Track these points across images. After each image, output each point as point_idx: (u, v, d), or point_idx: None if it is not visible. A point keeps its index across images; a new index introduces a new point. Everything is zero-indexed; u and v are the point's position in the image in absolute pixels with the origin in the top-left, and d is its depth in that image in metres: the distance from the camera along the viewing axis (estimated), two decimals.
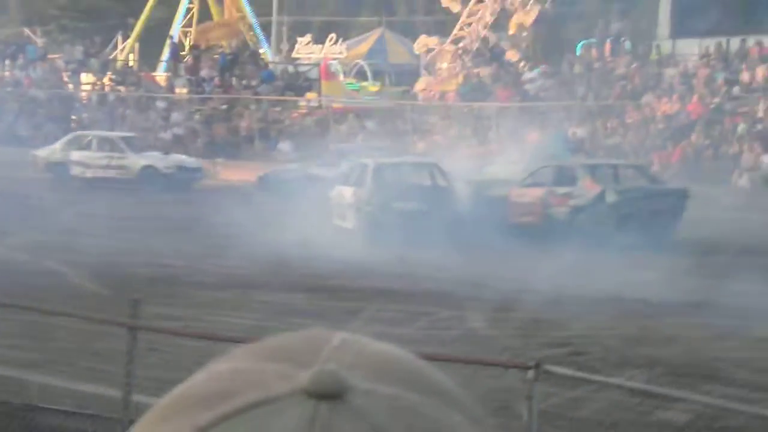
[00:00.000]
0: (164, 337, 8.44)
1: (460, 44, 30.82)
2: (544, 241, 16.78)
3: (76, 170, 25.64)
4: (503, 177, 19.53)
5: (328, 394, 0.50)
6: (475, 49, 30.21)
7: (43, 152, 26.53)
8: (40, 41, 37.24)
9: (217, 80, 32.90)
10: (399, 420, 0.51)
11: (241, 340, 8.58)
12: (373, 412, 0.51)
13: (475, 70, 29.92)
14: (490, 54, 30.31)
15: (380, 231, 17.42)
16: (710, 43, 27.22)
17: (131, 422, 6.80)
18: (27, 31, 38.90)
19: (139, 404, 6.69)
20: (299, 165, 23.94)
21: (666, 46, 28.87)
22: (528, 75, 28.10)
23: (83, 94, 34.58)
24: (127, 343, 6.49)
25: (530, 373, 5.58)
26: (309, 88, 31.95)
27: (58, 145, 26.52)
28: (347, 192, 18.70)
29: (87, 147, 26.06)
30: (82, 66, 35.54)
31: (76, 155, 25.95)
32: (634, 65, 27.26)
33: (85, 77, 35.29)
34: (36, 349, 9.35)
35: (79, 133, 27.80)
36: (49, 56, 36.22)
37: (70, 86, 34.84)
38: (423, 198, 18.24)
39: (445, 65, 30.34)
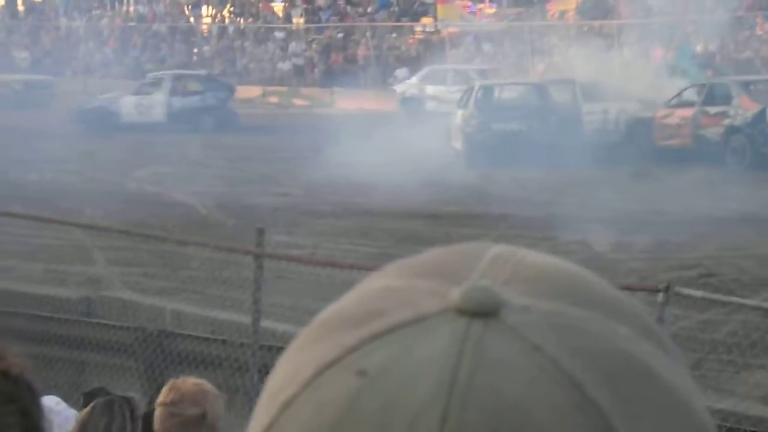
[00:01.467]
0: (289, 265, 8.59)
1: None
2: (694, 164, 15.98)
3: (430, 105, 23.96)
4: (628, 96, 18.98)
5: (481, 311, 0.47)
6: None
7: (400, 87, 25.22)
8: None
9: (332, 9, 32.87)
10: (559, 337, 0.47)
11: (364, 267, 8.67)
12: (530, 329, 0.47)
13: None
14: None
15: (480, 152, 17.43)
16: None
17: (261, 347, 6.99)
18: None
19: (267, 330, 6.85)
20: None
21: None
22: None
23: (204, 27, 35.11)
24: (254, 271, 6.63)
25: (660, 296, 5.43)
26: (425, 13, 31.56)
27: (414, 80, 25.33)
28: (459, 114, 18.75)
29: (442, 81, 24.69)
30: None
31: (430, 90, 24.25)
32: None
33: (206, 10, 35.78)
34: (168, 278, 9.68)
35: (434, 66, 25.63)
36: None
37: (191, 20, 35.44)
38: (526, 119, 17.99)
39: None
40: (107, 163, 18.03)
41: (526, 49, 26.64)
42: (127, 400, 3.00)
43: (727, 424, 5.36)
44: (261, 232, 6.76)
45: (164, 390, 2.76)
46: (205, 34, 34.69)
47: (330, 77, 29.81)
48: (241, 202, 14.34)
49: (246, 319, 6.93)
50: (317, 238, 11.86)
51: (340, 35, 31.42)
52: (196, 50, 34.05)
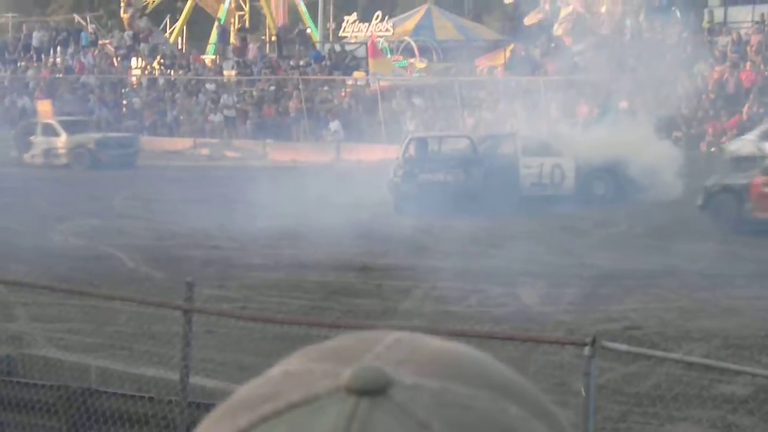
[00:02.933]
0: (219, 319, 8.50)
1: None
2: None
3: None
4: (564, 151, 19.25)
5: (370, 389, 0.48)
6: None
7: (733, 144, 21.13)
8: (90, 27, 37.64)
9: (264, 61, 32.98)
10: (445, 414, 0.48)
11: (296, 321, 8.61)
12: (417, 407, 0.48)
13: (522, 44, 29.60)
14: (538, 28, 29.95)
15: (406, 202, 17.63)
16: (764, 10, 26.59)
17: (190, 404, 6.87)
18: (77, 17, 39.33)
19: (196, 386, 6.75)
20: None
21: (718, 13, 28.26)
22: (577, 47, 27.74)
23: (133, 78, 34.91)
24: (182, 326, 6.54)
25: (587, 350, 5.50)
26: (356, 67, 31.88)
27: (751, 136, 21.02)
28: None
29: None
30: (132, 51, 35.87)
31: None
32: (685, 34, 26.75)
33: (135, 62, 35.63)
34: (94, 334, 9.48)
35: None
36: (100, 42, 36.62)
37: (119, 71, 35.22)
38: (453, 170, 18.20)
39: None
40: (29, 216, 17.69)
41: (455, 104, 27.05)
42: None
43: None
44: (190, 285, 6.69)
45: None
46: (135, 86, 34.49)
47: (262, 129, 29.83)
48: (170, 255, 14.18)
49: (174, 376, 6.81)
50: (248, 291, 11.77)
51: (272, 88, 31.52)
52: (125, 102, 33.80)
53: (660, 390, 7.37)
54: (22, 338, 9.33)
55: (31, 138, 27.17)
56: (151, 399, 6.79)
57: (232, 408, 0.50)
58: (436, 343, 0.52)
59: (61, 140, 26.79)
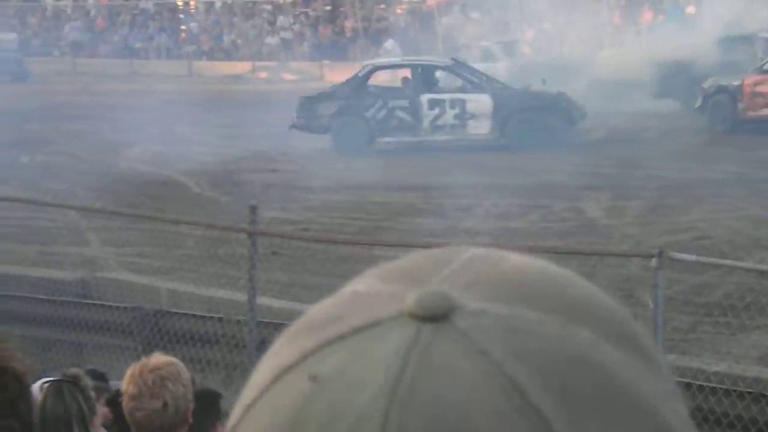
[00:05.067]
0: (283, 241, 8.59)
1: None
2: None
3: None
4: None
5: (433, 315, 0.47)
6: None
7: None
8: None
9: None
10: (508, 341, 0.46)
11: (358, 241, 8.65)
12: (480, 333, 0.46)
13: None
14: None
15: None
16: None
17: (258, 324, 6.99)
18: None
19: (264, 306, 6.86)
20: None
21: None
22: None
23: (191, 3, 34.88)
24: (248, 248, 6.63)
25: (654, 261, 5.44)
26: None
27: None
28: None
29: None
30: None
31: None
32: None
33: None
34: (163, 257, 9.68)
35: None
36: None
37: None
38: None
39: None
40: (97, 144, 17.97)
41: (514, 15, 26.53)
42: (75, 379, 3.06)
43: (724, 386, 5.40)
44: (254, 209, 6.75)
45: (126, 379, 2.80)
46: (192, 11, 34.47)
47: (319, 51, 29.65)
48: (234, 179, 14.31)
49: (242, 297, 6.94)
50: (310, 213, 11.86)
51: (328, 8, 31.24)
52: (183, 27, 33.85)
53: (731, 299, 7.27)
54: (95, 262, 9.56)
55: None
56: (220, 319, 6.93)
57: (302, 328, 0.50)
58: (512, 260, 0.50)
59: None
